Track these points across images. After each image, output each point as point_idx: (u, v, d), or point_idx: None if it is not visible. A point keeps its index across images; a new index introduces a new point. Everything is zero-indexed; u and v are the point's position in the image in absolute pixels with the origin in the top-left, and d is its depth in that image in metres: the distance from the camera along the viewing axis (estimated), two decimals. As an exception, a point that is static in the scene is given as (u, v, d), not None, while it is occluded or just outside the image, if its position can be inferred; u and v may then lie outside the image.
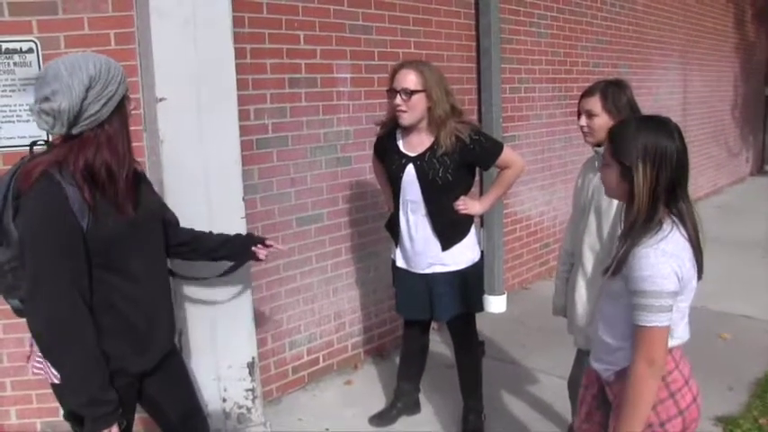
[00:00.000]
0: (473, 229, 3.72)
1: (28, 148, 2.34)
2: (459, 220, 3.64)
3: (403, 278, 3.80)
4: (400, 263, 3.79)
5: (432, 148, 3.52)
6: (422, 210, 3.60)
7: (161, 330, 2.51)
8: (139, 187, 2.44)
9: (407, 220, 3.66)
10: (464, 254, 3.66)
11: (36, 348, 2.32)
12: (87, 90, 2.12)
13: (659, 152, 2.08)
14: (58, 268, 2.14)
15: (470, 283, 3.69)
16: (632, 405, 2.10)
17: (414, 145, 3.58)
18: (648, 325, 2.05)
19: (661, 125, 2.15)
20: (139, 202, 2.38)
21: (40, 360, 2.33)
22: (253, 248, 3.00)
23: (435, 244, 3.62)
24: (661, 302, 2.03)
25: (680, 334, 2.19)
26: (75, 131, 2.17)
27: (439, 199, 3.57)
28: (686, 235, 2.12)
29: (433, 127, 3.50)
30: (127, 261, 2.32)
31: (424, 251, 3.65)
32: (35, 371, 2.41)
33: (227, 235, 3.01)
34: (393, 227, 3.79)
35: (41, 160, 2.20)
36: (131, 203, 2.31)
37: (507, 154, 3.64)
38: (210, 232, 2.96)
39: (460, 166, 3.53)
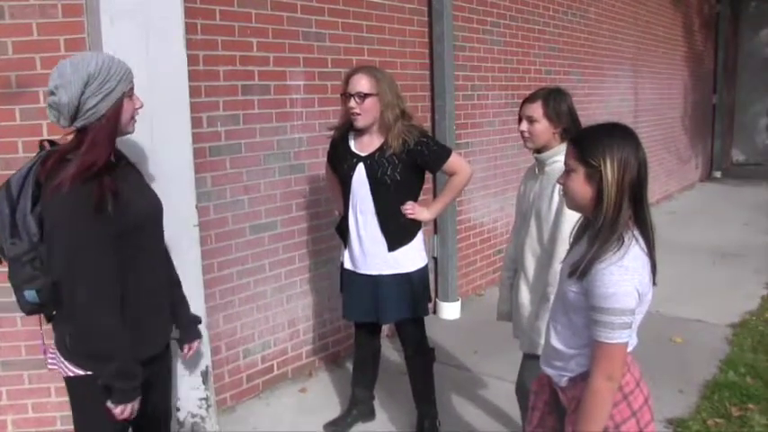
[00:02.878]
0: (420, 235, 3.78)
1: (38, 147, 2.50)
2: (407, 223, 3.70)
3: (349, 280, 3.84)
4: (348, 264, 3.84)
5: (381, 149, 3.61)
6: (370, 209, 3.66)
7: (164, 319, 2.69)
8: (143, 183, 2.67)
9: (356, 221, 3.72)
10: (411, 258, 3.72)
11: (51, 343, 2.50)
12: (85, 86, 2.29)
13: (625, 153, 2.12)
14: (99, 262, 2.31)
15: (416, 288, 3.75)
16: (590, 417, 2.13)
17: (365, 145, 3.67)
18: (609, 342, 2.08)
19: (624, 131, 2.19)
20: (147, 195, 2.61)
21: (54, 354, 2.50)
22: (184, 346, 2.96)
23: (382, 244, 3.68)
24: (623, 319, 2.06)
25: (631, 341, 2.22)
26: (78, 125, 2.34)
27: (387, 198, 3.64)
28: (645, 248, 2.15)
29: (384, 129, 3.60)
30: (138, 249, 2.47)
31: (371, 251, 3.70)
32: (50, 364, 2.54)
33: (180, 305, 2.94)
34: (343, 230, 3.83)
35: (55, 153, 2.37)
36: (137, 195, 2.50)
37: (454, 160, 3.71)
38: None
39: (408, 167, 3.61)
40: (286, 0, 4.49)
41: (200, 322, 3.02)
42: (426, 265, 3.82)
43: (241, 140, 4.30)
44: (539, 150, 3.18)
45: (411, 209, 3.68)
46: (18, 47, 3.41)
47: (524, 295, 3.23)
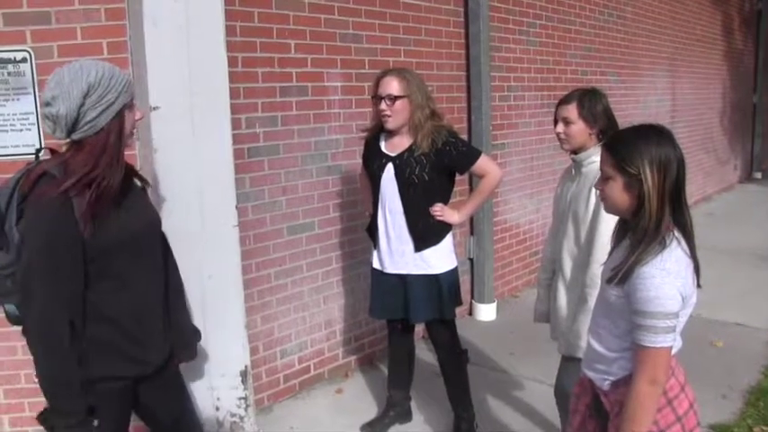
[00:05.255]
0: (449, 237, 3.79)
1: (33, 155, 2.38)
2: (435, 225, 3.71)
3: (378, 279, 3.88)
4: (376, 264, 3.87)
5: (410, 149, 3.63)
6: (399, 208, 3.69)
7: (156, 338, 2.52)
8: (139, 198, 2.50)
9: (385, 220, 3.75)
10: (439, 259, 3.73)
11: None
12: (85, 97, 2.16)
13: (664, 157, 2.09)
14: (55, 286, 2.17)
15: (444, 290, 3.75)
16: (634, 422, 2.11)
17: (395, 145, 3.70)
18: (653, 346, 2.06)
19: (659, 132, 2.16)
20: (138, 212, 2.43)
21: None
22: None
23: (409, 244, 3.70)
24: (666, 323, 2.04)
25: (675, 343, 2.20)
26: (75, 137, 2.21)
27: (415, 198, 3.66)
28: (687, 250, 2.13)
29: (414, 130, 3.62)
30: (123, 269, 2.35)
31: (399, 251, 3.73)
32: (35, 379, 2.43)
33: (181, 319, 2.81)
34: (373, 230, 3.86)
35: (45, 166, 2.23)
36: (124, 213, 2.33)
37: (483, 162, 3.72)
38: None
39: (437, 167, 3.63)
40: (323, 2, 4.51)
41: (199, 338, 2.91)
42: (456, 268, 3.83)
43: (279, 142, 4.33)
44: (575, 151, 3.17)
45: (440, 210, 3.70)
46: (63, 50, 3.46)
47: (562, 297, 3.21)
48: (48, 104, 2.17)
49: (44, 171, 2.20)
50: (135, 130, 2.42)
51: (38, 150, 2.39)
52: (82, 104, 2.16)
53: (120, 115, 2.26)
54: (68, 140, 2.25)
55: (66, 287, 2.20)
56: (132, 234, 2.36)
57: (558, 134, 3.20)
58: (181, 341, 2.74)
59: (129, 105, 2.31)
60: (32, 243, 2.17)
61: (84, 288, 2.27)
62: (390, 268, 3.78)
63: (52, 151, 2.36)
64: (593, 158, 2.99)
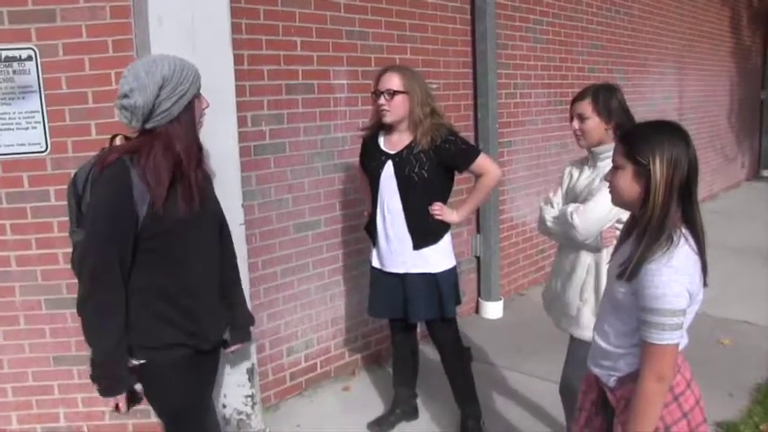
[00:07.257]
0: (448, 237, 3.78)
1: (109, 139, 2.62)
2: (434, 223, 3.70)
3: (377, 278, 3.88)
4: (375, 263, 3.87)
5: (409, 146, 3.62)
6: (398, 207, 3.68)
7: (212, 315, 2.68)
8: (205, 185, 2.64)
9: (384, 219, 3.74)
10: (438, 258, 3.72)
11: None
12: (160, 89, 2.36)
13: (675, 152, 2.09)
14: (109, 237, 2.39)
15: (443, 289, 3.73)
16: (641, 419, 2.11)
17: (394, 143, 3.69)
18: (660, 343, 2.06)
19: (675, 130, 2.16)
20: (204, 198, 2.59)
21: None
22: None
23: (408, 242, 3.69)
24: (673, 320, 2.03)
25: (682, 340, 2.19)
26: (149, 126, 2.42)
27: (414, 196, 3.65)
28: (695, 247, 2.12)
29: (413, 127, 3.61)
30: (185, 252, 2.53)
31: (398, 249, 3.72)
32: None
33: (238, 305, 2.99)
34: (372, 229, 3.85)
35: (117, 149, 2.47)
36: (196, 198, 2.51)
37: (482, 161, 3.70)
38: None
39: (436, 165, 3.61)
40: (329, -1, 4.52)
41: (252, 323, 3.07)
42: (455, 267, 3.81)
43: (285, 139, 4.33)
44: (591, 147, 3.16)
45: (439, 210, 3.69)
46: (68, 48, 3.46)
47: (573, 293, 3.19)
48: (125, 96, 2.37)
49: (117, 157, 2.41)
50: (202, 119, 2.60)
51: (114, 136, 2.57)
52: (157, 96, 2.36)
53: (191, 104, 2.48)
54: (139, 129, 2.45)
55: (119, 245, 2.40)
56: (195, 216, 2.52)
57: (574, 131, 3.19)
58: (236, 331, 2.94)
59: (197, 95, 2.52)
60: (94, 203, 2.45)
61: (148, 266, 2.47)
62: (390, 267, 3.78)
63: (126, 138, 2.56)
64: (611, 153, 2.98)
